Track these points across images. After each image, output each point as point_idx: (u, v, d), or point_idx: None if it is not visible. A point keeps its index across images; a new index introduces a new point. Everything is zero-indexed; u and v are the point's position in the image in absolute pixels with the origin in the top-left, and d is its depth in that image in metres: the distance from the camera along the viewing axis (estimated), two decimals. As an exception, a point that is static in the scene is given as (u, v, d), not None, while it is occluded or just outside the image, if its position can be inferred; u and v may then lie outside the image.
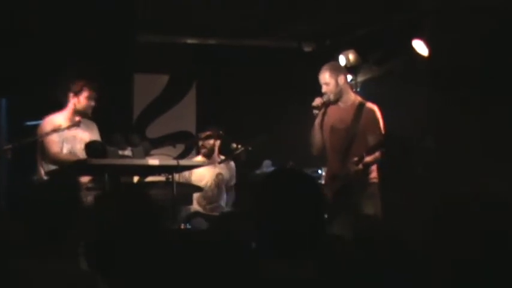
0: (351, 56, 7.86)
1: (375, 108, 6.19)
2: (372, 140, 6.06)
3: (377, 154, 6.05)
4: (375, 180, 6.18)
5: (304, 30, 8.50)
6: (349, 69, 7.75)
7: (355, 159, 6.00)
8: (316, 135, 6.36)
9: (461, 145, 6.72)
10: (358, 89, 7.90)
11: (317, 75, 6.39)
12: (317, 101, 6.21)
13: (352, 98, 6.28)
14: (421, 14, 7.01)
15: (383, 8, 7.38)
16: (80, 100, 6.46)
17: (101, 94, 6.59)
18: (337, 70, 6.33)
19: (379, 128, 6.11)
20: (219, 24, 8.27)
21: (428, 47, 6.94)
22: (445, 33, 6.76)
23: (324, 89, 6.21)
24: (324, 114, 6.32)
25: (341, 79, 6.22)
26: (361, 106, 6.17)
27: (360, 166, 5.99)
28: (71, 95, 6.48)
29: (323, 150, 6.38)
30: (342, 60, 7.87)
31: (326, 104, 6.26)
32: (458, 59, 6.67)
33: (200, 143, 7.60)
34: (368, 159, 6.00)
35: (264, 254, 2.38)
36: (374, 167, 6.18)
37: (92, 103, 6.51)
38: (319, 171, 7.13)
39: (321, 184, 6.28)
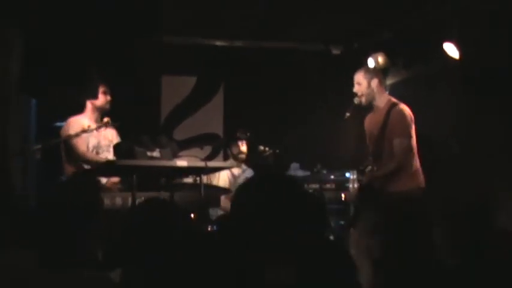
0: (380, 59, 7.82)
1: (404, 109, 6.06)
2: (396, 144, 5.96)
3: (394, 162, 5.93)
4: (409, 188, 5.94)
5: (332, 32, 8.47)
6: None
7: (368, 168, 5.97)
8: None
9: (489, 149, 6.66)
10: (386, 92, 7.84)
11: (345, 78, 6.38)
12: (357, 100, 6.19)
13: (385, 100, 6.18)
14: (448, 14, 6.94)
15: (411, 9, 7.33)
16: (97, 97, 6.54)
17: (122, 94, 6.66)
18: (372, 73, 6.27)
19: (405, 130, 5.97)
20: (247, 26, 8.26)
21: (459, 50, 6.87)
22: (474, 35, 6.69)
23: (356, 88, 6.17)
24: (366, 124, 6.30)
25: (374, 82, 6.15)
26: (390, 108, 6.07)
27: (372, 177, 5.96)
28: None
29: None
30: (371, 63, 7.84)
31: (357, 107, 6.23)
32: (489, 61, 6.61)
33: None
34: (384, 169, 5.95)
35: (248, 259, 2.37)
36: (414, 173, 6.02)
37: (108, 97, 6.60)
38: (347, 175, 7.10)
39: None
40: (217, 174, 7.46)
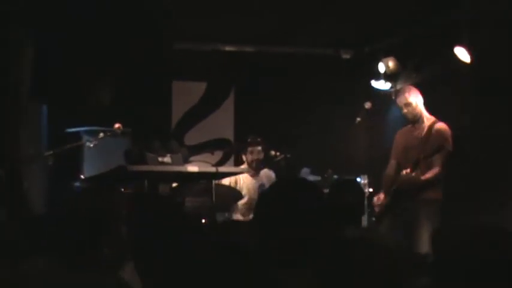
0: (391, 63, 7.81)
1: (443, 126, 6.20)
2: (439, 155, 6.06)
3: (436, 170, 6.04)
4: (436, 198, 6.11)
5: (343, 36, 8.47)
6: (389, 76, 7.72)
7: (408, 170, 6.01)
8: (390, 163, 6.39)
9: (502, 151, 6.65)
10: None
11: (356, 82, 6.40)
12: (367, 105, 6.24)
13: (426, 119, 6.29)
14: (460, 18, 6.94)
15: (421, 14, 7.33)
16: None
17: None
18: (416, 92, 6.35)
19: (444, 146, 6.08)
20: (257, 31, 8.27)
21: (470, 54, 6.86)
22: (485, 39, 6.68)
23: (405, 110, 6.26)
24: (401, 136, 6.40)
25: (419, 101, 6.28)
26: (431, 126, 6.20)
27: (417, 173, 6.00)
28: None
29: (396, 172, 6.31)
30: (382, 67, 7.83)
31: (368, 113, 6.27)
32: (500, 64, 6.60)
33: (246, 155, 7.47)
34: (428, 175, 6.02)
35: (267, 262, 2.39)
36: (440, 186, 6.13)
37: None
38: (358, 179, 7.10)
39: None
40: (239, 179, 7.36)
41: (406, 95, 6.27)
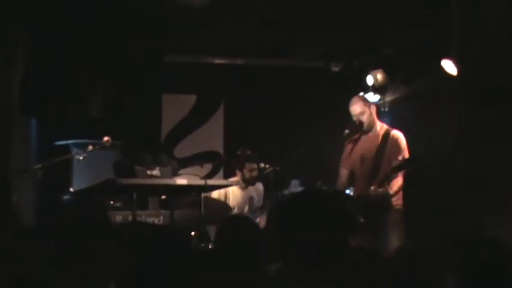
0: (379, 76, 7.85)
1: (400, 135, 6.35)
2: (395, 164, 6.15)
3: (400, 181, 6.17)
4: (399, 207, 6.27)
5: (332, 49, 8.51)
6: (378, 89, 7.77)
7: (377, 182, 6.08)
8: (342, 173, 6.53)
9: (492, 162, 6.66)
10: (386, 109, 7.89)
11: (345, 94, 6.48)
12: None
13: (379, 127, 6.46)
14: (447, 31, 6.98)
15: (409, 27, 7.38)
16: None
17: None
18: (368, 101, 6.56)
19: (403, 153, 6.23)
20: (246, 44, 8.30)
21: (457, 67, 6.90)
22: (474, 52, 6.72)
23: (360, 119, 6.39)
24: (353, 145, 6.48)
25: (373, 109, 6.44)
26: (386, 134, 6.35)
27: (385, 187, 6.06)
28: None
29: (348, 181, 6.48)
30: (370, 80, 7.87)
31: (356, 125, 6.36)
32: (488, 77, 6.63)
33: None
34: (395, 188, 6.13)
35: (287, 273, 2.40)
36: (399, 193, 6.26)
37: None
38: (347, 191, 7.11)
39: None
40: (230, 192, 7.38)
41: (361, 103, 6.42)
